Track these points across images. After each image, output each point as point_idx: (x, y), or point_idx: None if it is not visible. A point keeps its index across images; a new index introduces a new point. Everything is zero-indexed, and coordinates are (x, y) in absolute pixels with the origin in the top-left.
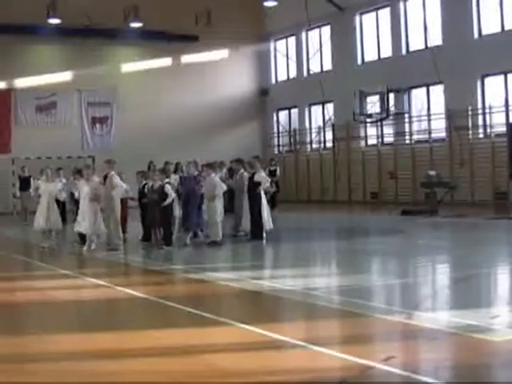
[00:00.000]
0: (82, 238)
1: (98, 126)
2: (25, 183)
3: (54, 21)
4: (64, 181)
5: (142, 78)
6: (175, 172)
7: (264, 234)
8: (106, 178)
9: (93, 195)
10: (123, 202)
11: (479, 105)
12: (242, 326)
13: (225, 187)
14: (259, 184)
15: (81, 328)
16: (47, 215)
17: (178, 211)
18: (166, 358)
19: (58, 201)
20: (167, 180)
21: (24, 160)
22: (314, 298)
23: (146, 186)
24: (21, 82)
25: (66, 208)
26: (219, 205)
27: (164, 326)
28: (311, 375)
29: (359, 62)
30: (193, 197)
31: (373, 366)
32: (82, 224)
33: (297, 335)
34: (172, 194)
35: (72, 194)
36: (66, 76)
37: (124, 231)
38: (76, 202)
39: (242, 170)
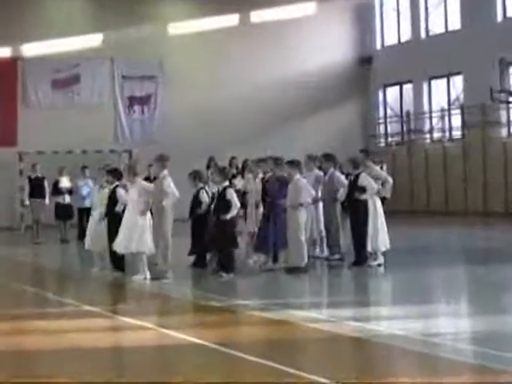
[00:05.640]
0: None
1: (136, 108)
2: (37, 187)
3: None
4: (91, 183)
5: (197, 44)
6: (242, 172)
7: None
8: (147, 179)
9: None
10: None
11: None
12: None
13: (313, 193)
14: (364, 190)
15: None
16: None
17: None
18: None
19: (81, 210)
20: (227, 183)
21: (35, 155)
22: (434, 347)
23: (202, 192)
24: (31, 49)
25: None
26: (304, 217)
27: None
28: None
29: (499, 18)
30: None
31: None
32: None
33: None
34: (237, 204)
35: None
36: (93, 40)
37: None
38: None
39: (333, 170)
